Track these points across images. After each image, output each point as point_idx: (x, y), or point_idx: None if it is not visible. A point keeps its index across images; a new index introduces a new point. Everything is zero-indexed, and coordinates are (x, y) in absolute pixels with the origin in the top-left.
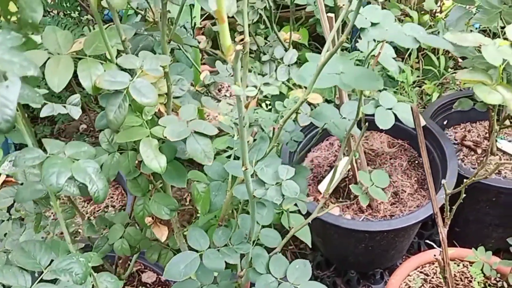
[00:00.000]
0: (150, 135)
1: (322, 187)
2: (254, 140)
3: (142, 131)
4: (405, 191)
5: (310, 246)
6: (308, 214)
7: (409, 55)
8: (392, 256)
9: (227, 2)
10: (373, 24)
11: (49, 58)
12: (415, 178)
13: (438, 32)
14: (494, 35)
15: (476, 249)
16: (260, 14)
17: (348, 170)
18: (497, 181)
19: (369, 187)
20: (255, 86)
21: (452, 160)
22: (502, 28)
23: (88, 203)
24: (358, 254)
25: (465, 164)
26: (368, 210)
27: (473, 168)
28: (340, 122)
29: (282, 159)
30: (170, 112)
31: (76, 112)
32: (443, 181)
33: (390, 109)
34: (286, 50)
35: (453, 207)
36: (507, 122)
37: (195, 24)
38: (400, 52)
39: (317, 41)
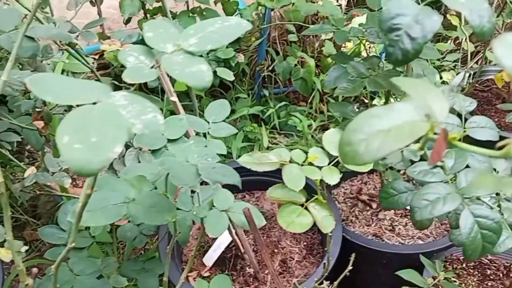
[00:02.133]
0: None
1: (207, 259)
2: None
3: None
4: (294, 258)
5: None
6: None
7: (314, 97)
8: None
9: None
10: (171, 141)
11: None
12: (304, 243)
13: None
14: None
15: None
16: None
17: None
18: (384, 246)
19: None
20: None
21: (336, 227)
22: None
23: None
24: None
25: (359, 221)
26: (255, 283)
27: (367, 226)
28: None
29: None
30: None
31: None
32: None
33: (225, 211)
34: None
35: None
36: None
37: (34, 107)
38: (305, 96)
39: (221, 86)
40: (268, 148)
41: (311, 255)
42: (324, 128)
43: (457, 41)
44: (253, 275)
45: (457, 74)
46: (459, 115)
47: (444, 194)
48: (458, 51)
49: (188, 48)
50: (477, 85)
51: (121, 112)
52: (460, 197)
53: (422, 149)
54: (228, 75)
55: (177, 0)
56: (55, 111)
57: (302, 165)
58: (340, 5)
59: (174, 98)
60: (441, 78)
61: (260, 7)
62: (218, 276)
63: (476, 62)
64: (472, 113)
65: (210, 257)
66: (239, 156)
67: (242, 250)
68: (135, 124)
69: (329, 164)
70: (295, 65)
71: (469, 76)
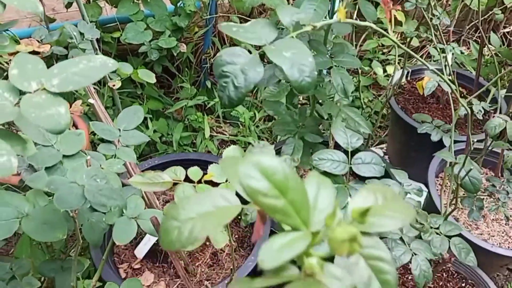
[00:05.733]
0: None
1: (138, 252)
2: None
3: None
4: (224, 251)
5: None
6: None
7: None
8: None
9: None
10: (67, 156)
11: None
12: (236, 236)
13: None
14: None
15: None
16: None
17: None
18: None
19: None
20: None
21: (266, 224)
22: None
23: None
24: None
25: None
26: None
27: None
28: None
29: None
30: None
31: None
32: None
33: (135, 218)
34: None
35: None
36: None
37: None
38: None
39: (168, 73)
40: (211, 137)
41: (241, 248)
42: (269, 119)
43: (403, 36)
44: (183, 267)
45: (401, 68)
46: (346, 152)
47: None
48: (404, 45)
49: (50, 88)
50: (414, 82)
51: None
52: None
53: None
54: (150, 78)
55: None
56: None
57: (200, 181)
58: None
59: (92, 100)
60: (385, 71)
61: None
62: (130, 280)
63: (422, 56)
64: (406, 111)
65: (141, 250)
66: (180, 146)
67: None
68: None
69: (227, 180)
70: None
71: (408, 73)
